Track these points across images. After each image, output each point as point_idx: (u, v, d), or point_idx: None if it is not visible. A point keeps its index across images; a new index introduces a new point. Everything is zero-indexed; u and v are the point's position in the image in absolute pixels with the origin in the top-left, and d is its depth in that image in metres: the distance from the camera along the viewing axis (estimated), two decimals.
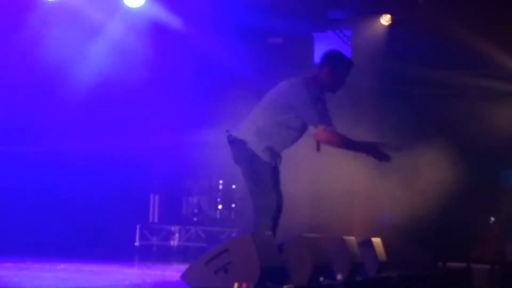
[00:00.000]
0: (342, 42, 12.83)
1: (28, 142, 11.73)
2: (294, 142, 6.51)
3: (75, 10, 11.26)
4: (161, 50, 12.37)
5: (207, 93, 13.00)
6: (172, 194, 13.93)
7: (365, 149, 6.43)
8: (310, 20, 12.73)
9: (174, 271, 8.10)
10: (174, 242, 13.37)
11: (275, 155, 6.40)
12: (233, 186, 13.69)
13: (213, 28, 12.27)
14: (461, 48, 11.76)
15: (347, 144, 6.39)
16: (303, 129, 6.42)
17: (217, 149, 9.40)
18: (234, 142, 6.41)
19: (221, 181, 13.79)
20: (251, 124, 6.41)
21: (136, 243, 13.24)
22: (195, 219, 13.70)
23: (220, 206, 13.88)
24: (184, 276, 5.70)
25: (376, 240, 7.49)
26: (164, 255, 12.40)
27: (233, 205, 13.80)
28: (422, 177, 11.15)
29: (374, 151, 6.41)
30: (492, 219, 10.97)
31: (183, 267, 6.12)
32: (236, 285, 5.35)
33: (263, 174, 6.29)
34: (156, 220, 13.60)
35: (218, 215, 13.90)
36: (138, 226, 13.32)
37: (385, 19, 12.65)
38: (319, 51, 6.69)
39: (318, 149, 6.49)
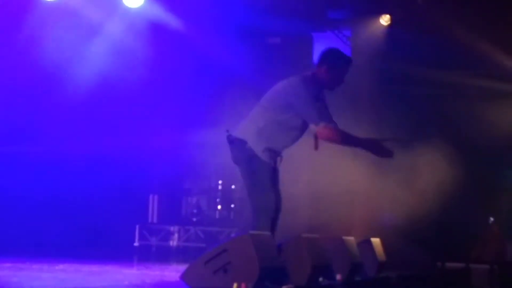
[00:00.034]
0: (341, 42, 12.83)
1: (27, 142, 11.72)
2: (295, 141, 6.50)
3: (74, 10, 11.27)
4: (160, 50, 12.37)
5: (206, 93, 13.01)
6: (172, 195, 13.93)
7: (366, 146, 6.40)
8: (309, 20, 12.74)
9: (173, 271, 8.10)
10: (173, 242, 13.38)
11: (275, 155, 6.39)
12: (233, 187, 13.69)
13: (212, 28, 12.27)
14: (460, 48, 11.77)
15: (349, 140, 6.37)
16: (303, 128, 6.40)
17: (216, 150, 9.42)
18: (234, 142, 6.40)
19: (220, 182, 13.80)
20: (251, 124, 6.40)
21: (136, 243, 13.24)
22: (194, 219, 13.70)
23: (219, 207, 13.88)
24: (183, 276, 5.70)
25: (376, 240, 7.49)
26: (163, 255, 12.40)
27: (232, 206, 13.81)
28: (422, 177, 11.14)
29: (375, 148, 6.38)
30: (491, 219, 10.97)
31: (182, 267, 6.11)
32: (235, 285, 5.34)
33: (262, 175, 6.28)
34: (155, 220, 13.60)
35: (217, 215, 13.90)
36: (137, 227, 13.33)
37: (384, 19, 12.65)
38: (318, 51, 6.66)
39: (316, 147, 6.46)
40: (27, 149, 11.74)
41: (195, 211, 13.87)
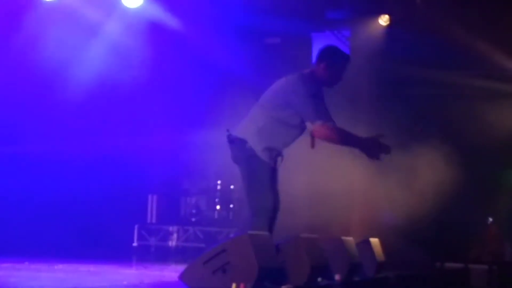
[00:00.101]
0: (340, 42, 12.82)
1: (25, 142, 11.72)
2: (295, 139, 6.48)
3: (73, 10, 11.26)
4: (159, 50, 12.37)
5: (205, 94, 13.00)
6: (170, 195, 13.93)
7: (363, 146, 6.35)
8: (308, 21, 12.74)
9: (172, 272, 8.09)
10: (172, 243, 13.37)
11: (275, 154, 6.38)
12: (231, 187, 13.68)
13: (211, 28, 12.27)
14: (459, 49, 11.77)
15: (346, 140, 6.32)
16: (303, 126, 6.37)
17: (215, 150, 9.41)
18: (234, 142, 6.39)
19: (219, 182, 13.78)
20: (251, 123, 6.40)
21: (134, 244, 13.24)
22: (193, 219, 13.69)
23: (218, 207, 13.87)
24: (182, 276, 5.70)
25: (374, 240, 7.49)
26: (162, 256, 12.39)
27: (231, 206, 13.80)
28: (421, 177, 11.14)
29: (373, 147, 6.33)
30: (490, 219, 10.99)
31: (181, 267, 6.11)
32: (234, 285, 5.34)
33: (261, 174, 6.27)
34: (154, 220, 13.59)
35: (216, 216, 13.89)
36: (136, 227, 13.32)
37: (383, 20, 12.65)
38: (317, 51, 6.65)
39: (312, 145, 6.44)
40: (25, 149, 11.73)
41: (194, 211, 13.86)
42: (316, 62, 6.51)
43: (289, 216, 7.13)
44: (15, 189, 11.51)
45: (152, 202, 13.63)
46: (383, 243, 7.66)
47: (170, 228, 13.46)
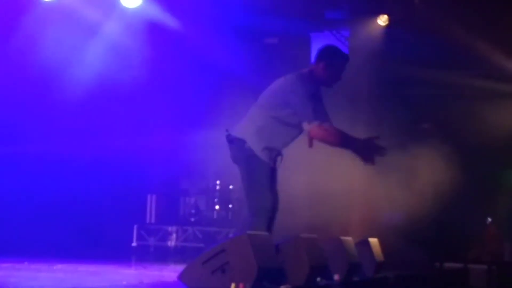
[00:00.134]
0: (339, 42, 12.83)
1: (24, 142, 11.70)
2: (294, 139, 6.47)
3: (72, 10, 11.25)
4: (158, 50, 12.36)
5: (204, 94, 12.99)
6: (170, 195, 13.92)
7: (357, 148, 6.34)
8: (307, 21, 12.74)
9: (171, 272, 8.09)
10: (171, 243, 13.37)
11: (275, 154, 6.39)
12: (231, 187, 13.68)
13: (210, 28, 12.27)
14: (458, 49, 11.78)
15: (342, 141, 6.29)
16: (302, 125, 6.38)
17: (214, 150, 9.41)
18: (233, 142, 6.39)
19: (218, 182, 13.78)
20: (250, 123, 6.40)
21: (133, 244, 13.23)
22: (192, 219, 13.69)
23: (217, 207, 13.87)
24: (181, 276, 5.70)
25: (374, 241, 7.49)
26: (161, 256, 12.39)
27: (230, 206, 13.79)
28: (420, 177, 11.15)
29: (365, 151, 6.32)
30: (489, 219, 10.99)
31: (180, 267, 6.11)
32: (233, 285, 5.34)
33: (260, 174, 6.27)
34: (153, 220, 13.59)
35: (215, 216, 13.89)
36: (135, 227, 13.32)
37: (382, 20, 12.66)
38: (316, 51, 6.66)
39: (310, 145, 6.44)
40: (24, 149, 11.72)
41: (193, 211, 13.86)
42: (315, 62, 6.51)
43: (288, 216, 7.13)
44: (14, 189, 11.50)
45: (151, 202, 13.63)
46: (382, 243, 7.65)
47: (169, 228, 13.46)
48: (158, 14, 11.95)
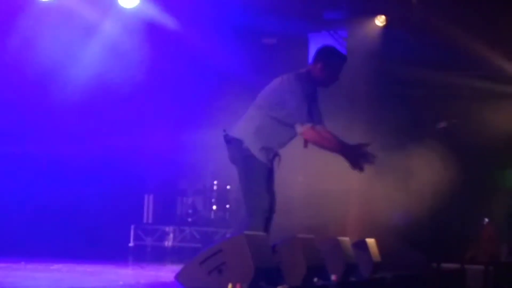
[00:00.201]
0: (337, 43, 12.83)
1: (21, 143, 11.69)
2: (291, 139, 6.49)
3: (69, 10, 11.24)
4: (156, 50, 12.35)
5: (202, 94, 12.99)
6: (167, 195, 13.92)
7: (347, 153, 6.33)
8: (305, 21, 12.74)
9: (168, 272, 8.08)
10: (169, 243, 13.36)
11: (272, 154, 6.39)
12: (228, 187, 13.68)
13: (208, 29, 12.26)
14: (456, 49, 11.78)
15: (332, 145, 6.30)
16: None
17: (212, 150, 9.41)
18: (231, 142, 6.40)
19: (215, 182, 13.78)
20: (248, 123, 6.40)
21: (130, 244, 13.22)
22: (189, 219, 13.69)
23: (214, 207, 13.87)
24: (178, 276, 5.70)
25: (370, 241, 7.49)
26: (159, 256, 12.38)
27: (227, 206, 13.79)
28: (417, 178, 11.15)
29: (354, 156, 6.31)
30: (486, 220, 10.98)
31: (177, 267, 6.11)
32: (230, 285, 5.34)
33: (258, 175, 6.28)
34: (150, 220, 13.58)
35: (212, 216, 13.88)
36: (132, 227, 13.30)
37: (380, 20, 12.66)
38: (314, 51, 6.67)
39: (305, 145, 6.47)
40: (21, 150, 11.71)
41: (190, 211, 13.86)
42: (313, 62, 6.52)
43: (286, 217, 7.13)
44: (10, 190, 11.49)
45: (148, 202, 13.62)
46: (379, 243, 7.66)
47: (167, 228, 13.45)
48: (156, 14, 11.94)
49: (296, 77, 6.38)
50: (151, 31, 12.09)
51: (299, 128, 6.26)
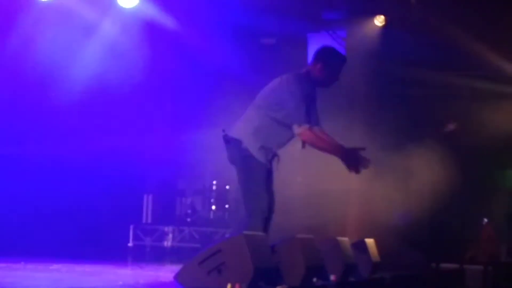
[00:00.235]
0: (336, 43, 12.83)
1: (20, 143, 11.68)
2: (290, 139, 6.49)
3: (68, 10, 11.24)
4: (155, 50, 12.35)
5: (201, 94, 12.99)
6: (166, 195, 13.91)
7: (342, 155, 6.34)
8: (304, 21, 12.73)
9: (167, 272, 8.08)
10: (168, 243, 13.35)
11: (271, 154, 6.39)
12: (227, 187, 13.68)
13: (208, 29, 12.26)
14: (455, 49, 11.78)
15: (328, 147, 6.30)
16: None
17: (211, 150, 9.40)
18: (230, 142, 6.40)
19: (214, 182, 13.78)
20: (247, 123, 6.40)
21: (130, 244, 13.22)
22: (188, 219, 13.69)
23: (213, 207, 13.87)
24: (178, 276, 5.70)
25: (370, 241, 7.49)
26: (158, 256, 12.38)
27: (226, 206, 13.79)
28: (417, 178, 11.15)
29: (350, 159, 6.31)
30: (486, 220, 10.98)
31: (176, 267, 6.11)
32: (229, 285, 5.34)
33: (257, 175, 6.28)
34: (149, 220, 13.58)
35: (211, 216, 13.88)
36: (131, 227, 13.30)
37: (379, 20, 12.66)
38: (313, 51, 6.67)
39: (303, 146, 6.47)
40: (20, 150, 11.70)
41: (189, 211, 13.86)
42: (312, 63, 6.52)
43: (285, 217, 7.14)
44: (9, 190, 11.48)
45: (147, 202, 13.62)
46: (378, 243, 7.66)
47: (166, 228, 13.45)
48: (155, 14, 11.94)
49: (295, 78, 6.38)
50: (151, 31, 12.09)
51: (297, 129, 6.26)
